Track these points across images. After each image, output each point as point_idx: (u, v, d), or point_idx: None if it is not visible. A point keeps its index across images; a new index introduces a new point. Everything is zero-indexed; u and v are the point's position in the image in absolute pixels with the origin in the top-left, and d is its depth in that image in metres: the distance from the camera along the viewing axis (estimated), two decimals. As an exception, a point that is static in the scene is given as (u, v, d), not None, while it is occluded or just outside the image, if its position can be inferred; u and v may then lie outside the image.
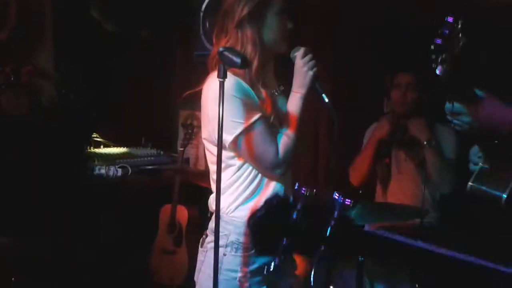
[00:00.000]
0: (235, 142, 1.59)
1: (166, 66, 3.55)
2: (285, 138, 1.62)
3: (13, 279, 2.27)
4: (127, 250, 2.96)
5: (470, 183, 1.35)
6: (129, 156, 3.23)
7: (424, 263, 1.16)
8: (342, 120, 3.29)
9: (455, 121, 1.29)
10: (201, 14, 2.88)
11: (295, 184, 1.67)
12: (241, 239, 1.63)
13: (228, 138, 1.58)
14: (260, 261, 1.64)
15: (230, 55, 1.50)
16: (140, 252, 3.09)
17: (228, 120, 1.55)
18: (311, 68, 1.61)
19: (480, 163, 1.35)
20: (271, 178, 1.66)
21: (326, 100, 1.60)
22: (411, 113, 2.59)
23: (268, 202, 1.08)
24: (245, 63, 1.51)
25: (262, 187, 1.64)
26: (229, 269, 1.62)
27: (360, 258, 1.99)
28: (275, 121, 1.64)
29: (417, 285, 2.04)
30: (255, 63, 1.63)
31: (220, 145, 1.47)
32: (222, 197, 1.63)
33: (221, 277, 1.60)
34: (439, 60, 1.20)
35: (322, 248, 0.93)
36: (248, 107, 1.60)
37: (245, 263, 1.63)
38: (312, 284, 1.18)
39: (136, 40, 3.32)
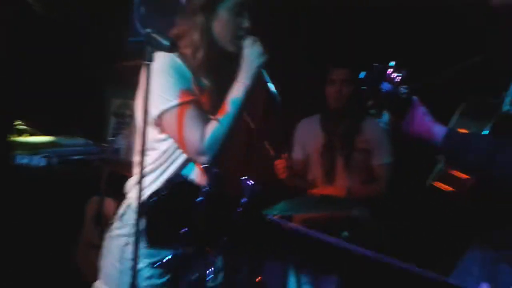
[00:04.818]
0: (161, 118, 1.56)
1: (98, 53, 3.40)
2: (215, 125, 1.56)
3: None
4: (52, 243, 2.82)
5: (429, 182, 1.37)
6: (55, 145, 3.07)
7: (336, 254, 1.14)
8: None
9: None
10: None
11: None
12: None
13: (154, 112, 1.55)
14: (164, 253, 1.57)
15: (158, 38, 1.43)
16: (66, 245, 2.97)
17: (157, 94, 1.54)
18: (258, 57, 1.57)
19: (440, 164, 1.36)
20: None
21: (272, 89, 1.56)
22: (346, 109, 2.61)
23: (168, 184, 0.98)
24: (175, 47, 1.45)
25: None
26: (131, 258, 1.51)
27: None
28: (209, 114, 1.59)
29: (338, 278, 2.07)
30: (199, 54, 1.60)
31: (145, 123, 1.41)
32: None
33: (122, 266, 1.59)
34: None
35: (225, 238, 0.86)
36: (181, 87, 1.56)
37: (148, 254, 1.58)
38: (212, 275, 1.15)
39: (66, 25, 3.16)
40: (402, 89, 1.23)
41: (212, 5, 1.60)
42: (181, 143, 1.57)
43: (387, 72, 1.23)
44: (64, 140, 3.16)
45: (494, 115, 1.31)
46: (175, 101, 1.55)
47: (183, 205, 0.89)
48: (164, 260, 1.21)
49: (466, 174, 1.27)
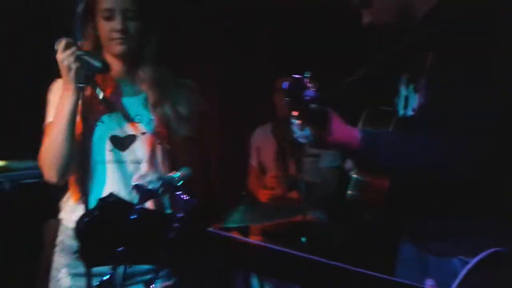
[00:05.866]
0: None
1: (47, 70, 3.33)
2: (44, 139, 1.65)
3: None
4: (11, 271, 2.76)
5: (348, 192, 1.42)
6: (6, 170, 2.98)
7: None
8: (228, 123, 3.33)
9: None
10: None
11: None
12: (66, 241, 1.70)
13: None
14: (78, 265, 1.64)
15: (89, 59, 1.47)
16: (26, 271, 2.90)
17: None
18: (74, 62, 1.56)
19: (354, 174, 1.43)
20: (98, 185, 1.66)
21: (100, 96, 1.62)
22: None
23: (100, 203, 0.99)
24: (106, 68, 1.49)
25: (88, 194, 1.62)
26: (53, 268, 1.71)
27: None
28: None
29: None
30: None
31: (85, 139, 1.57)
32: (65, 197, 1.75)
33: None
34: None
35: (163, 254, 0.87)
36: (53, 107, 1.67)
37: (64, 264, 1.68)
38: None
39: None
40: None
41: (87, 13, 1.68)
42: None
43: (306, 81, 1.24)
44: (15, 164, 3.08)
45: (392, 121, 1.39)
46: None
47: (116, 224, 0.90)
48: (103, 279, 1.22)
49: (384, 171, 1.33)
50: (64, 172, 1.62)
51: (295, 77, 1.24)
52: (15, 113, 3.33)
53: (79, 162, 1.67)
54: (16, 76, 3.34)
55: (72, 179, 1.71)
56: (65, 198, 1.74)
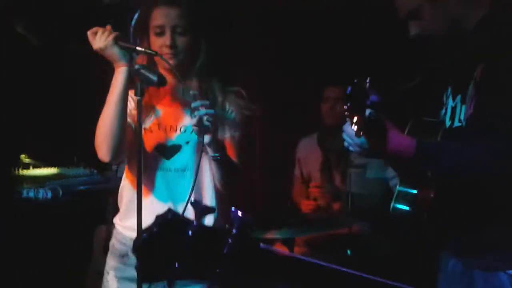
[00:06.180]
0: None
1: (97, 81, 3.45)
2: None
3: None
4: (61, 274, 2.86)
5: (392, 205, 1.42)
6: (60, 176, 3.10)
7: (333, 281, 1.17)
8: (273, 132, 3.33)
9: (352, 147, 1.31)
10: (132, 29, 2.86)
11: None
12: (116, 244, 1.77)
13: None
14: (131, 272, 1.67)
15: (146, 73, 1.53)
16: (75, 276, 3.00)
17: None
18: (105, 40, 1.63)
19: (397, 185, 1.43)
20: (148, 191, 1.72)
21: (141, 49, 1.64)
22: (340, 126, 2.64)
23: (158, 220, 1.01)
24: (163, 82, 1.54)
25: (139, 200, 1.65)
26: (105, 270, 1.81)
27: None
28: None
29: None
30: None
31: (139, 149, 1.59)
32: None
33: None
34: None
35: (218, 270, 0.89)
36: None
37: (113, 267, 1.77)
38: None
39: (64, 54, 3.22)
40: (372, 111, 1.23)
41: (141, 30, 1.75)
42: None
43: (368, 86, 1.24)
44: (69, 171, 3.19)
45: (439, 132, 1.37)
46: None
47: (174, 240, 0.93)
48: None
49: (438, 180, 1.31)
50: (114, 152, 1.67)
51: (357, 82, 1.23)
52: (70, 121, 3.46)
53: (132, 168, 1.73)
54: (72, 85, 3.48)
55: (123, 184, 1.76)
56: (119, 202, 1.82)
